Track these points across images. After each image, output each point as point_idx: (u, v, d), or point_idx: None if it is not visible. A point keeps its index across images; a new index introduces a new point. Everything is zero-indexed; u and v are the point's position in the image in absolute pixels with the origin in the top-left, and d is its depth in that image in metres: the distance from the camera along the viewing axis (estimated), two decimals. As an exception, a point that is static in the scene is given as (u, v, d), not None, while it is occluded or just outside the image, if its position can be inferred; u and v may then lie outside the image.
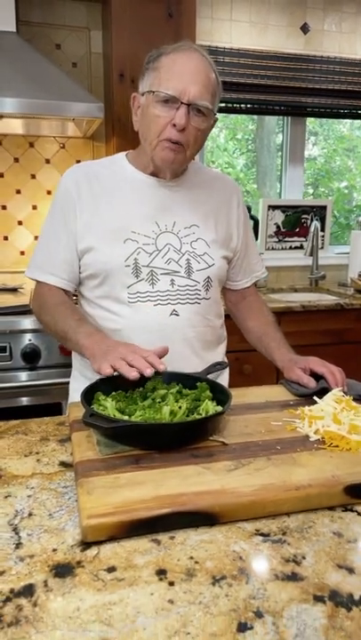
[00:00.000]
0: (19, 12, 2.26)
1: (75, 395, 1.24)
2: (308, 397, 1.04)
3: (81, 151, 2.64)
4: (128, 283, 1.12)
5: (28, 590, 0.56)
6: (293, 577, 0.58)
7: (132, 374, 0.87)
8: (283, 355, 1.20)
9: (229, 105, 2.83)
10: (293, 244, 3.12)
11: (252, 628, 0.51)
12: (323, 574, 0.59)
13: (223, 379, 1.27)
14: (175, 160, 1.10)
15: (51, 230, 1.19)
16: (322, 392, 1.03)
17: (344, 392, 1.01)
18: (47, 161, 2.60)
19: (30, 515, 0.70)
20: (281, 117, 3.15)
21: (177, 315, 1.14)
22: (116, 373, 0.90)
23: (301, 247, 3.10)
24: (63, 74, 2.18)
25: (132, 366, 0.88)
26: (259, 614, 0.53)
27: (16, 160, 2.56)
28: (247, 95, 2.82)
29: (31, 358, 1.98)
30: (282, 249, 3.10)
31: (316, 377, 1.09)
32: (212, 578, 0.58)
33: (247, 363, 2.34)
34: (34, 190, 2.60)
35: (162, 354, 0.95)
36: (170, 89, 1.04)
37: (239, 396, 1.07)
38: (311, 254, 2.94)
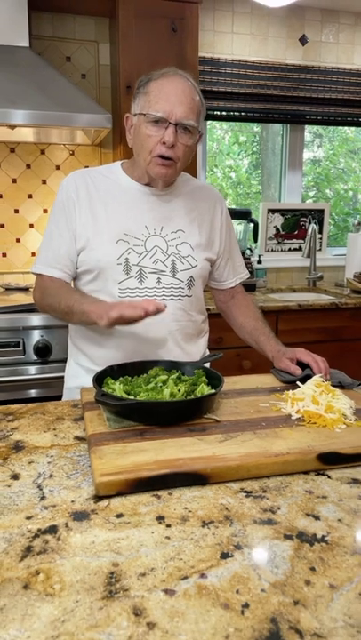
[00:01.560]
0: (31, 27, 2.40)
1: (70, 381, 1.39)
2: (293, 384, 1.17)
3: (89, 158, 2.78)
4: (119, 279, 1.26)
5: (53, 529, 0.70)
6: (269, 522, 0.71)
7: (137, 312, 1.01)
8: (272, 346, 1.33)
9: (231, 113, 2.96)
10: (292, 246, 3.25)
11: (232, 556, 0.64)
12: (293, 520, 0.72)
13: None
14: (168, 174, 1.24)
15: (54, 228, 1.30)
16: (306, 379, 1.16)
17: (326, 379, 1.14)
18: (57, 167, 2.74)
19: (51, 476, 0.84)
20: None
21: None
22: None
23: (300, 249, 3.22)
24: (73, 86, 2.31)
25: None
26: (238, 547, 0.66)
27: (28, 166, 2.70)
28: (248, 104, 2.95)
29: (43, 353, 2.12)
30: (281, 251, 3.22)
31: (303, 366, 1.22)
32: (202, 522, 0.71)
33: (246, 359, 2.47)
34: (44, 195, 2.74)
35: (161, 308, 1.06)
36: (159, 111, 1.18)
37: (233, 383, 1.21)
38: (309, 256, 3.07)
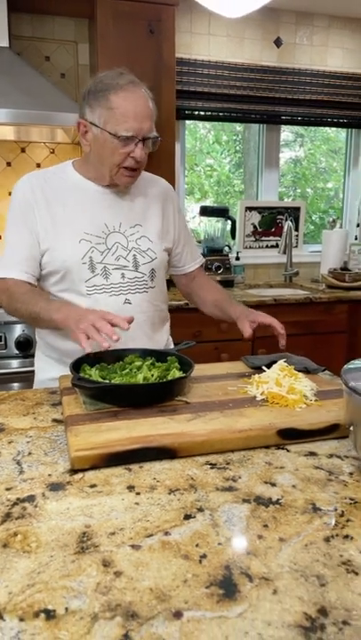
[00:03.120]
0: (11, 27, 2.43)
1: (40, 374, 1.44)
2: (260, 369, 1.24)
3: (69, 156, 2.82)
4: (85, 277, 1.30)
5: (31, 498, 0.75)
6: (230, 489, 0.78)
7: (104, 345, 1.05)
8: (236, 309, 1.40)
9: (209, 113, 3.02)
10: (269, 243, 3.33)
11: (194, 517, 0.71)
12: (252, 487, 0.78)
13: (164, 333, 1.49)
14: (133, 181, 1.31)
15: (14, 232, 1.31)
16: (272, 365, 1.23)
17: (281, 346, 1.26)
18: (38, 165, 2.78)
19: (30, 453, 0.89)
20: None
21: (129, 303, 1.34)
22: (94, 350, 1.08)
23: (277, 246, 3.31)
24: (52, 85, 2.36)
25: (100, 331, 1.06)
26: (200, 509, 0.72)
27: (8, 164, 2.74)
28: (225, 104, 3.02)
29: (24, 347, 2.17)
30: (258, 247, 3.31)
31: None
32: (168, 490, 0.77)
33: (225, 352, 2.54)
34: (25, 192, 2.78)
35: (129, 321, 1.11)
36: (129, 130, 1.21)
37: (205, 369, 1.27)
38: (285, 252, 3.15)
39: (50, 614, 0.53)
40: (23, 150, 2.75)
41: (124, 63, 2.46)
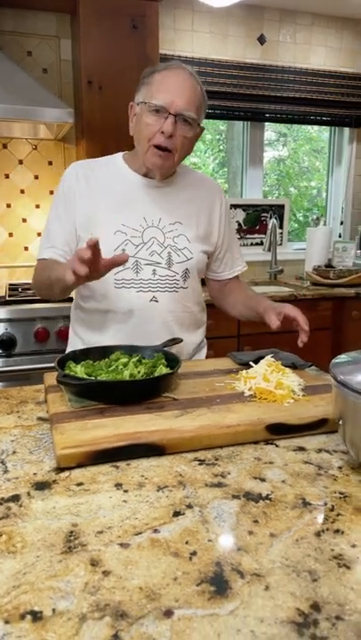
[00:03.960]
0: (-9, 21, 2.40)
1: None
2: (248, 365, 1.23)
3: (52, 153, 2.79)
4: (115, 270, 1.26)
5: (15, 498, 0.73)
6: (219, 485, 0.77)
7: (77, 267, 1.00)
8: (263, 302, 1.35)
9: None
10: (254, 241, 3.33)
11: (183, 514, 0.69)
12: (241, 483, 0.77)
13: (201, 355, 1.49)
14: (163, 165, 1.27)
15: (54, 217, 1.35)
16: (259, 361, 1.22)
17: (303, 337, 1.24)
18: (20, 162, 2.74)
19: (14, 452, 0.87)
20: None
21: (156, 301, 1.32)
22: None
23: (261, 243, 3.31)
24: (34, 80, 2.33)
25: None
26: (190, 506, 0.71)
27: (-10, 161, 2.69)
28: (209, 101, 3.00)
29: (7, 346, 2.13)
30: (243, 245, 3.31)
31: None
32: (157, 487, 0.76)
33: (210, 348, 2.53)
34: (8, 190, 2.74)
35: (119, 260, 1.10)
36: (160, 100, 1.21)
37: (192, 366, 1.26)
38: (270, 250, 3.15)
39: (36, 616, 0.52)
40: (5, 146, 2.71)
41: (107, 59, 2.46)
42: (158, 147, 1.24)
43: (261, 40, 3.09)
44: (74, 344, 1.42)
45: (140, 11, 2.48)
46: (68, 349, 1.44)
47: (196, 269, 1.39)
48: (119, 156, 1.39)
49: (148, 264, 1.31)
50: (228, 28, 3.01)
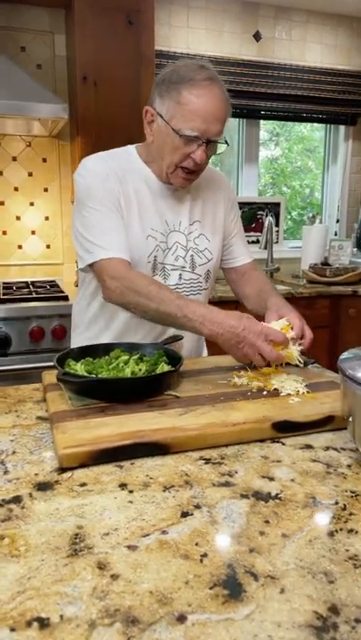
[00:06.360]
0: (-16, 16, 2.36)
1: None
2: (249, 363, 1.21)
3: (47, 149, 2.76)
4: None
5: (17, 499, 0.71)
6: (227, 484, 0.75)
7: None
8: (272, 299, 1.28)
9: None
10: (250, 239, 3.31)
11: (192, 514, 0.67)
12: (250, 482, 0.75)
13: (202, 352, 1.47)
14: (188, 184, 1.24)
15: (102, 213, 1.20)
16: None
17: (300, 342, 1.15)
18: (14, 159, 2.71)
19: (14, 452, 0.85)
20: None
21: None
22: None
23: (257, 242, 3.29)
24: (28, 75, 2.30)
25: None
26: (198, 506, 0.69)
27: (-17, 157, 2.66)
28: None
29: (2, 345, 2.10)
30: (239, 243, 3.29)
31: None
32: (163, 487, 0.74)
33: (209, 347, 2.51)
34: (1, 187, 2.70)
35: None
36: (195, 130, 1.13)
37: (192, 364, 1.24)
38: (266, 248, 3.14)
39: (44, 623, 0.49)
40: (-2, 143, 2.67)
41: (102, 54, 2.43)
42: (186, 169, 1.20)
43: (257, 37, 3.07)
44: (84, 333, 1.39)
45: (135, 6, 2.46)
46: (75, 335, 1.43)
47: (215, 269, 1.38)
48: (133, 152, 1.30)
49: (174, 269, 1.29)
50: (224, 25, 2.99)
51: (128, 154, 1.30)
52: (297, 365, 1.13)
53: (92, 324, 1.37)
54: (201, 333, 1.10)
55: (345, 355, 0.85)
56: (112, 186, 1.22)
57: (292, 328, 1.15)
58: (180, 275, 1.30)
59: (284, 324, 1.14)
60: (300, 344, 1.13)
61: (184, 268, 1.30)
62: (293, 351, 1.07)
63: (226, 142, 1.21)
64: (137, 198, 1.24)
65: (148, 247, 1.24)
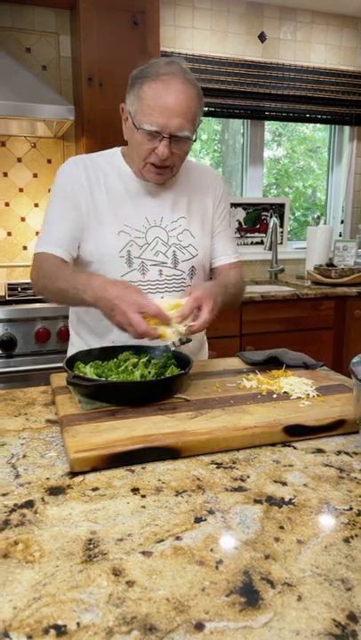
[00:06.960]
0: (-10, 17, 2.36)
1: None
2: (257, 365, 1.21)
3: (51, 151, 2.76)
4: (121, 272, 1.24)
5: (29, 504, 0.71)
6: (239, 489, 0.74)
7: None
8: (204, 284, 1.27)
9: (193, 108, 2.98)
10: (254, 240, 3.31)
11: (206, 520, 0.67)
12: (262, 487, 0.75)
13: (204, 353, 1.45)
14: (163, 179, 1.23)
15: (57, 210, 1.26)
16: (270, 361, 1.20)
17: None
18: (19, 160, 2.71)
19: (25, 456, 0.84)
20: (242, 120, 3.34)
21: None
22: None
23: (262, 243, 3.29)
24: (34, 77, 2.29)
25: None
26: (211, 512, 0.69)
27: (-12, 159, 2.66)
28: (209, 99, 2.99)
29: (8, 347, 2.10)
30: (243, 244, 3.28)
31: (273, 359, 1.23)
32: (175, 492, 0.74)
33: (213, 349, 2.50)
34: (6, 188, 2.70)
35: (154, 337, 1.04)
36: (153, 124, 1.13)
37: (201, 366, 1.24)
38: (270, 249, 3.13)
39: (60, 630, 0.49)
40: (3, 144, 2.67)
41: (107, 55, 2.43)
42: (153, 165, 1.20)
43: (262, 38, 3.06)
44: (77, 346, 1.38)
45: (140, 6, 2.45)
46: (70, 351, 1.41)
47: (202, 265, 1.35)
48: (117, 151, 1.33)
49: (153, 264, 1.28)
50: (229, 26, 2.99)
51: (112, 154, 1.33)
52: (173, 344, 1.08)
53: (80, 324, 1.37)
54: (86, 302, 1.10)
55: (356, 359, 0.85)
56: (76, 182, 1.25)
57: None
58: (161, 270, 1.28)
59: (177, 302, 1.08)
60: (186, 325, 1.06)
61: (165, 263, 1.29)
62: (167, 329, 1.02)
63: (189, 138, 1.18)
64: (110, 194, 1.26)
65: (119, 242, 1.25)
